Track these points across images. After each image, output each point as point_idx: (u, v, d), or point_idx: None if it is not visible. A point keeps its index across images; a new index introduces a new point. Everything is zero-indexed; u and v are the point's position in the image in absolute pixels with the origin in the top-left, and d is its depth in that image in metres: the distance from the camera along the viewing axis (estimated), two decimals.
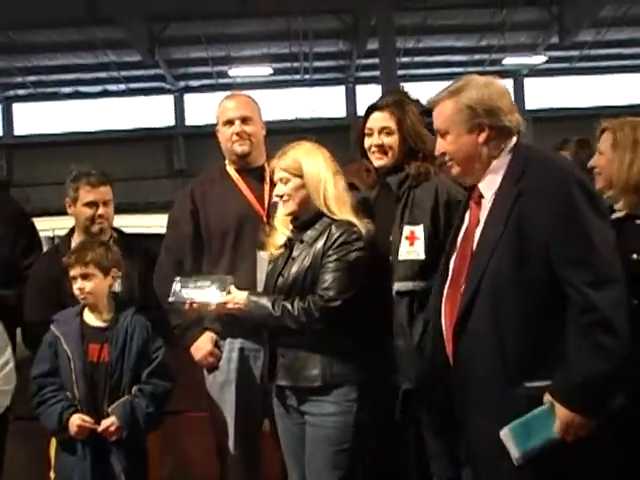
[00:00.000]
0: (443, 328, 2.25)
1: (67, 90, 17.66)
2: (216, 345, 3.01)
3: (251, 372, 2.97)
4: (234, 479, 3.00)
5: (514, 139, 2.22)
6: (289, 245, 2.68)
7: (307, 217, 2.65)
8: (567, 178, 2.10)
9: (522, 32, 15.24)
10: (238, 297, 2.66)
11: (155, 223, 3.69)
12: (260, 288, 2.81)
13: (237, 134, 3.06)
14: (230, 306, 2.68)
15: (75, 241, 3.23)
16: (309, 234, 2.62)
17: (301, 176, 2.61)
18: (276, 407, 2.71)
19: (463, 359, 2.18)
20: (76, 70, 16.04)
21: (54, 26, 13.41)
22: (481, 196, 2.24)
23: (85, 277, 2.87)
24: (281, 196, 2.66)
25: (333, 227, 2.57)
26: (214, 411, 3.06)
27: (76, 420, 2.77)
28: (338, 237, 2.55)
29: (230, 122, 3.07)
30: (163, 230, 3.25)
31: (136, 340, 2.89)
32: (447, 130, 2.23)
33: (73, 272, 2.88)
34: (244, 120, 3.06)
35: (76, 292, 2.89)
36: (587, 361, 2.02)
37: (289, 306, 2.51)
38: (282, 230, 2.72)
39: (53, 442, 2.91)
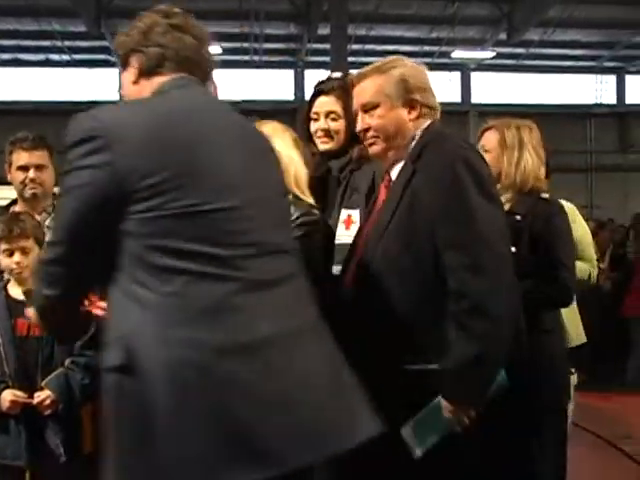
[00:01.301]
0: None
1: (6, 57, 17.07)
2: None
3: None
4: None
5: (429, 121, 2.20)
6: None
7: None
8: (455, 158, 2.05)
9: (472, 26, 15.46)
10: None
11: None
12: None
13: None
14: None
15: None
16: None
17: None
18: None
19: (350, 338, 2.08)
20: (17, 36, 15.51)
21: None
22: (391, 179, 2.21)
23: (24, 251, 2.79)
24: None
25: (292, 207, 2.51)
26: None
27: (8, 395, 2.70)
28: (297, 217, 2.51)
29: None
30: None
31: None
32: (378, 103, 2.18)
33: (11, 245, 2.78)
34: None
35: (12, 266, 2.80)
36: (458, 348, 1.99)
37: None
38: None
39: None
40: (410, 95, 2.16)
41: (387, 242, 2.08)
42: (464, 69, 18.11)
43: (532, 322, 2.34)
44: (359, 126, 2.25)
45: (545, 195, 2.72)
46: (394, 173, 2.19)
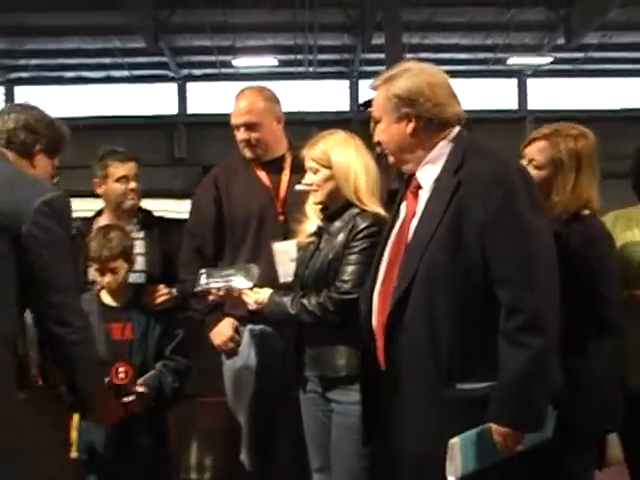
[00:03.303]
0: (374, 325, 2.15)
1: (70, 75, 17.60)
2: (236, 331, 3.02)
3: (270, 359, 2.97)
4: (247, 465, 3.01)
5: (455, 130, 2.12)
6: (319, 235, 2.67)
7: (335, 208, 2.63)
8: (510, 170, 2.00)
9: (528, 32, 15.26)
10: (261, 297, 2.64)
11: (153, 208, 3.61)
12: (282, 279, 2.81)
13: (244, 141, 3.06)
14: (252, 304, 2.66)
15: (102, 223, 3.21)
16: (336, 225, 2.61)
17: (330, 167, 2.60)
18: (302, 394, 2.70)
19: (394, 358, 2.07)
20: (80, 55, 15.99)
21: (59, 9, 13.37)
22: (419, 187, 2.13)
23: (114, 271, 2.92)
24: (310, 185, 2.65)
25: (358, 218, 2.56)
26: (230, 396, 3.07)
27: None
28: (363, 229, 2.53)
29: (237, 127, 3.07)
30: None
31: (159, 318, 2.95)
32: (380, 118, 2.17)
33: (102, 266, 2.91)
34: (249, 127, 3.03)
35: (103, 284, 2.94)
36: (509, 365, 1.91)
37: (306, 302, 2.52)
38: (313, 218, 2.71)
39: (75, 420, 2.92)
40: (404, 110, 2.10)
41: (432, 254, 2.00)
42: (520, 75, 17.91)
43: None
44: (374, 138, 2.24)
45: (585, 212, 2.43)
46: (423, 179, 2.12)
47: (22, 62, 16.49)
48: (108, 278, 2.92)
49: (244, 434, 3.01)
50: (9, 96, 18.30)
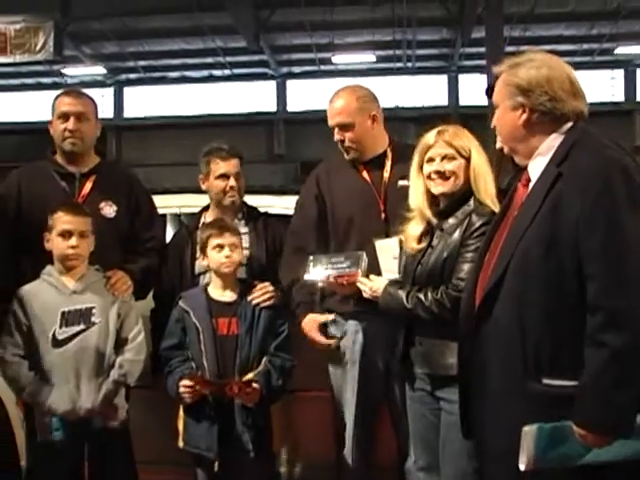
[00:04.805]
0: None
1: (174, 75, 18.18)
2: (321, 328, 3.00)
3: (375, 354, 2.96)
4: (351, 461, 3.00)
5: (569, 123, 2.09)
6: (430, 232, 2.61)
7: (448, 203, 2.59)
8: (610, 165, 1.92)
9: (638, 20, 14.63)
10: (376, 285, 2.64)
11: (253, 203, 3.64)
12: (385, 276, 2.78)
13: (339, 141, 3.07)
14: (367, 291, 2.67)
15: (207, 218, 3.29)
16: (450, 222, 2.56)
17: (467, 158, 2.55)
18: (409, 391, 2.68)
19: (482, 346, 2.06)
20: (184, 55, 16.49)
21: (164, 12, 13.83)
22: (529, 179, 2.12)
23: (234, 247, 2.95)
24: (442, 173, 2.57)
25: (474, 216, 2.51)
26: (335, 392, 3.07)
27: (186, 382, 2.82)
28: (479, 227, 2.48)
29: (332, 128, 3.08)
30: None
31: (264, 314, 2.95)
32: (497, 104, 2.17)
33: (222, 240, 2.94)
34: (342, 127, 3.04)
35: (222, 260, 2.94)
36: (591, 366, 1.86)
37: (422, 297, 2.50)
38: (423, 212, 2.63)
39: (181, 413, 2.97)
40: (519, 99, 2.10)
41: (526, 245, 1.99)
42: (628, 66, 17.21)
43: None
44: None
45: None
46: (532, 171, 2.11)
47: (130, 64, 17.15)
48: (228, 252, 2.93)
49: (349, 429, 3.00)
50: (118, 97, 19.10)
